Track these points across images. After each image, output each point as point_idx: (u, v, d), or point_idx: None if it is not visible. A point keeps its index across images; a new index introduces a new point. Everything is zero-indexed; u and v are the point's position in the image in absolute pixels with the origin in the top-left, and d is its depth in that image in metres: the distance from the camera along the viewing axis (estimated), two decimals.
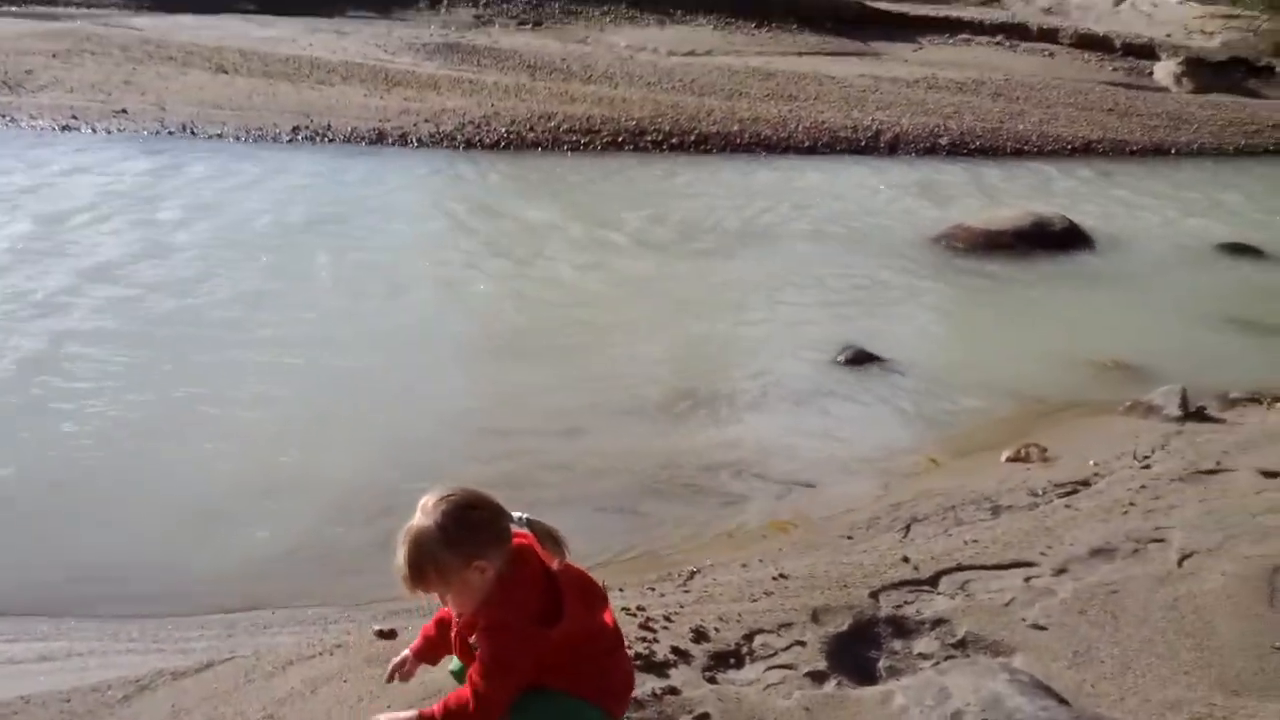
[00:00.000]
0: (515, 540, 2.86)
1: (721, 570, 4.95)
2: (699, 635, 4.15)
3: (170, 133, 12.86)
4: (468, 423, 6.66)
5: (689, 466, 6.23)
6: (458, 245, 9.94)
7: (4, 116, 12.75)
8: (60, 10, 19.20)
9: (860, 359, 7.79)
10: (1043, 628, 4.25)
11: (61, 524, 5.40)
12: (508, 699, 2.90)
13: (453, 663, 3.12)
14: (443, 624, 3.16)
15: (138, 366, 7.03)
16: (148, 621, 4.61)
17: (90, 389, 6.65)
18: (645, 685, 3.72)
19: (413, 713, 2.96)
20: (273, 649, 4.12)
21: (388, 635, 4.12)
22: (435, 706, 2.92)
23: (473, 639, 2.90)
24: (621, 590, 4.67)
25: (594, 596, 3.04)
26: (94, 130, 12.70)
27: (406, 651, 3.24)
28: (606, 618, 3.05)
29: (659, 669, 3.90)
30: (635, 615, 4.24)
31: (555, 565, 2.87)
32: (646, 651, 3.96)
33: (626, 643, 3.53)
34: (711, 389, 7.26)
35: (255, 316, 7.99)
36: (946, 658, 4.12)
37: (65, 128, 12.70)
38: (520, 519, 2.86)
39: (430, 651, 3.22)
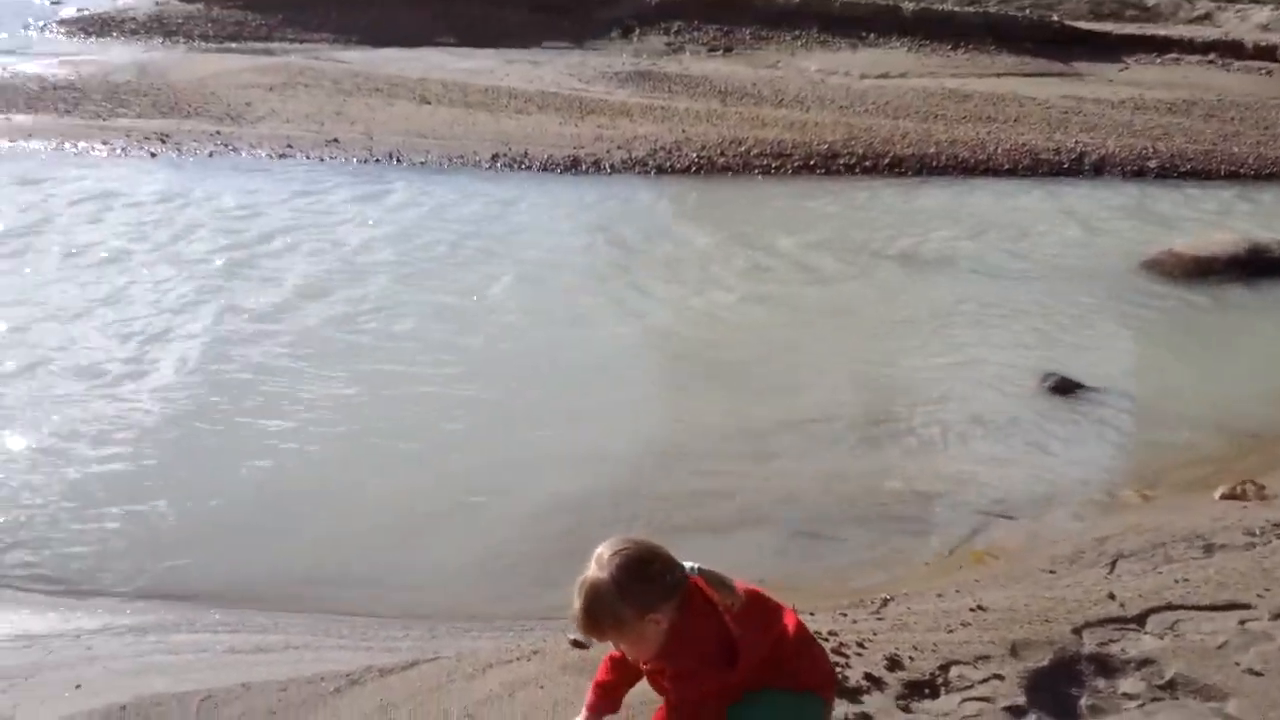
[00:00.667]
0: (690, 584, 2.90)
1: (916, 599, 4.86)
2: (893, 663, 4.09)
3: (378, 160, 13.42)
4: (656, 444, 6.73)
5: (883, 493, 6.14)
6: (646, 269, 10.05)
7: (227, 145, 13.55)
8: (276, 46, 20.32)
9: (1064, 387, 7.51)
10: (1259, 674, 4.03)
11: (279, 528, 5.74)
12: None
13: None
14: (617, 663, 3.23)
15: (340, 382, 7.37)
16: (356, 620, 4.83)
17: (300, 405, 7.00)
18: (838, 710, 3.68)
19: None
20: (473, 652, 4.26)
21: (581, 645, 4.20)
22: None
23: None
24: (813, 614, 4.63)
25: (768, 613, 3.06)
26: (308, 158, 13.37)
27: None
28: (788, 621, 3.06)
29: (852, 695, 3.86)
30: (827, 640, 4.20)
31: (732, 611, 2.90)
32: (839, 677, 3.92)
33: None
34: (906, 414, 7.13)
35: (450, 337, 8.26)
36: (1153, 699, 3.95)
37: (281, 155, 13.40)
38: (692, 569, 2.91)
39: (608, 699, 3.31)
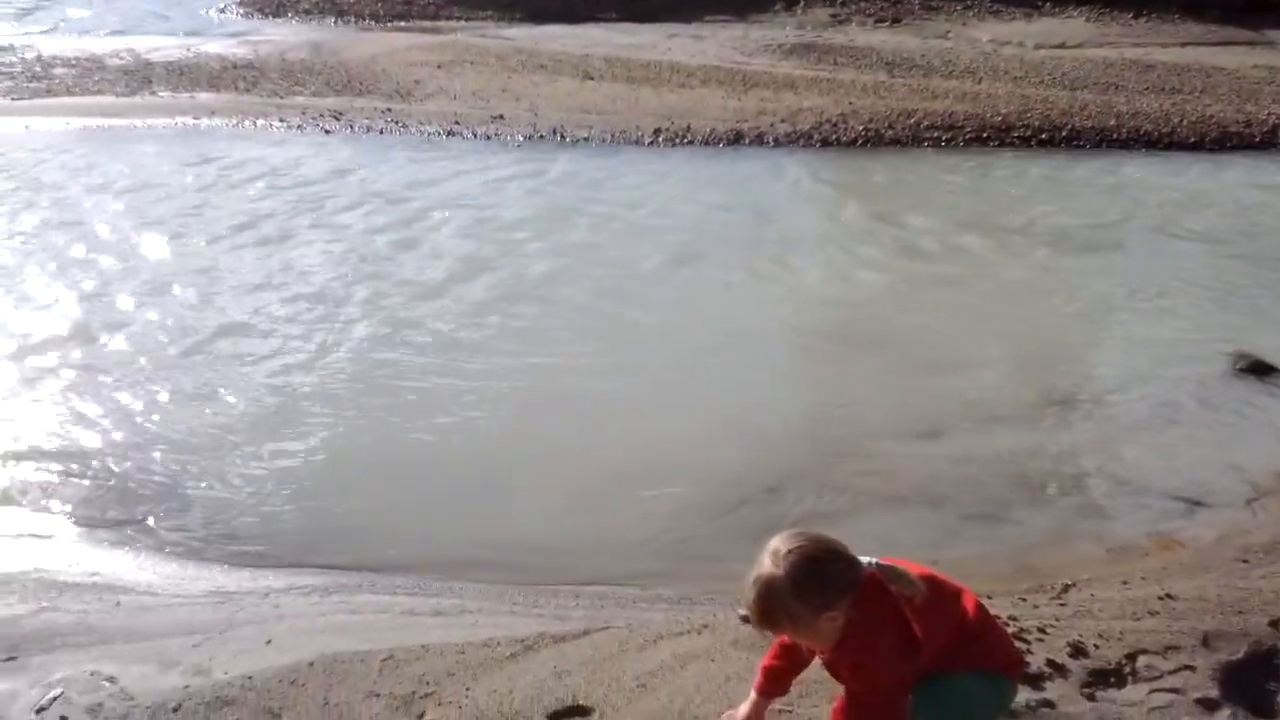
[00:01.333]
0: (866, 577, 2.86)
1: (1100, 586, 4.69)
2: (1076, 650, 3.97)
3: (542, 137, 13.56)
4: (822, 422, 6.66)
5: (1063, 476, 5.93)
6: (807, 244, 9.92)
7: (397, 123, 13.88)
8: (443, 24, 20.70)
9: (1259, 369, 7.11)
10: None
11: (454, 499, 5.87)
12: (898, 710, 2.93)
13: None
14: (787, 648, 3.20)
15: (505, 357, 7.47)
16: (528, 588, 4.91)
17: (467, 382, 7.13)
18: (1020, 696, 3.59)
19: None
20: (644, 623, 4.30)
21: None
22: None
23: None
24: (990, 598, 4.51)
25: (947, 598, 2.99)
26: (474, 135, 13.59)
27: (744, 708, 3.35)
28: (967, 604, 3.00)
29: (1033, 681, 3.77)
30: (1008, 625, 4.10)
31: (914, 602, 2.85)
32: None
33: None
34: (1085, 395, 6.86)
35: (612, 311, 8.29)
36: None
37: (450, 133, 13.66)
38: (869, 563, 2.86)
39: (777, 683, 3.30)
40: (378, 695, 3.70)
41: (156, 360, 7.40)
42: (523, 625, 4.39)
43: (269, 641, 4.27)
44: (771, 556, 2.79)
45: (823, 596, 2.78)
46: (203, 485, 5.95)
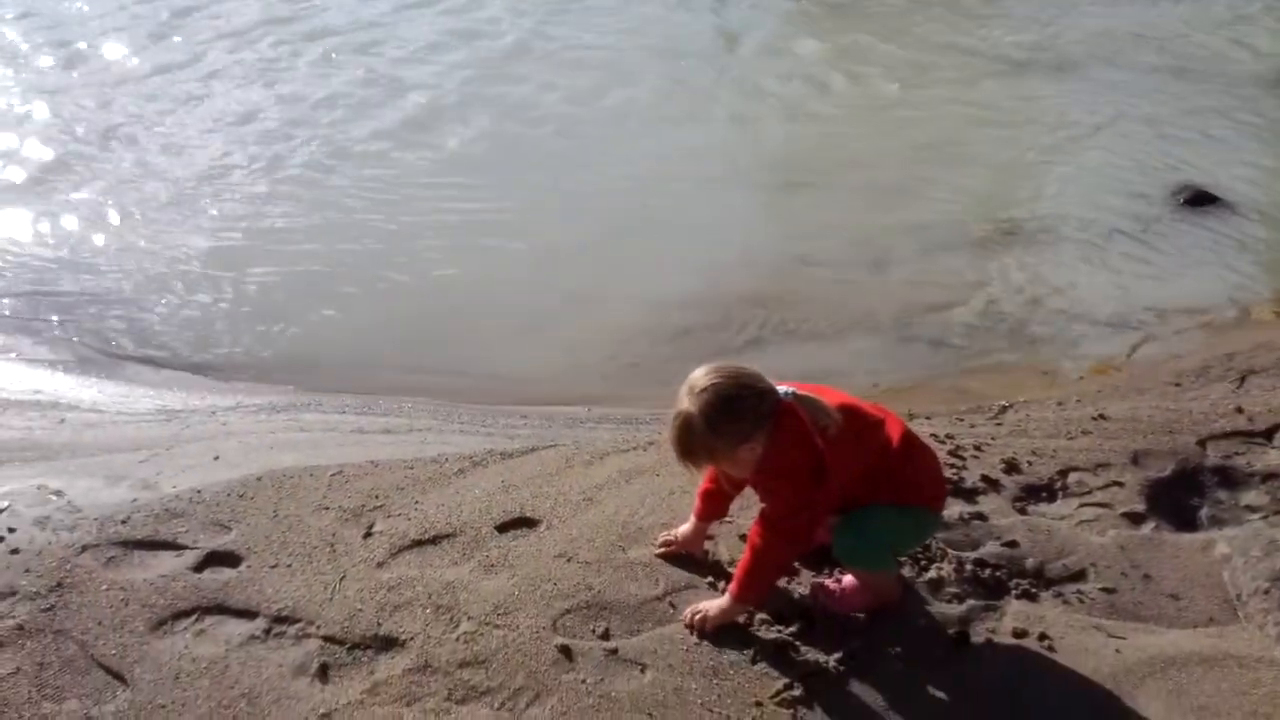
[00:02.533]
0: (782, 407, 2.88)
1: (1036, 407, 4.80)
2: (1010, 467, 4.08)
3: None
4: (775, 248, 6.66)
5: (1005, 302, 6.01)
6: (765, 66, 9.72)
7: None
8: None
9: (1199, 200, 7.17)
10: None
11: (402, 320, 5.86)
12: (804, 530, 3.01)
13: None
14: (720, 471, 3.26)
15: (463, 176, 7.37)
16: (476, 408, 4.95)
17: (420, 203, 7.05)
18: (953, 509, 3.71)
19: (725, 599, 3.13)
20: (590, 441, 4.36)
21: None
22: (734, 579, 3.11)
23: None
24: (929, 418, 4.64)
25: (866, 429, 3.03)
26: None
27: (685, 528, 3.44)
28: (891, 432, 3.03)
29: (967, 495, 3.88)
30: (944, 443, 4.21)
31: (828, 432, 2.88)
32: (955, 478, 3.94)
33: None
34: (1033, 224, 6.89)
35: (565, 134, 8.16)
36: (1276, 512, 3.90)
37: None
38: (786, 393, 2.88)
39: (714, 504, 3.37)
40: (327, 508, 3.73)
41: (113, 176, 7.21)
42: (471, 443, 4.43)
43: (217, 457, 4.28)
44: (688, 394, 2.84)
45: (736, 429, 2.84)
46: (151, 305, 5.88)
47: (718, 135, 8.32)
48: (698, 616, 3.13)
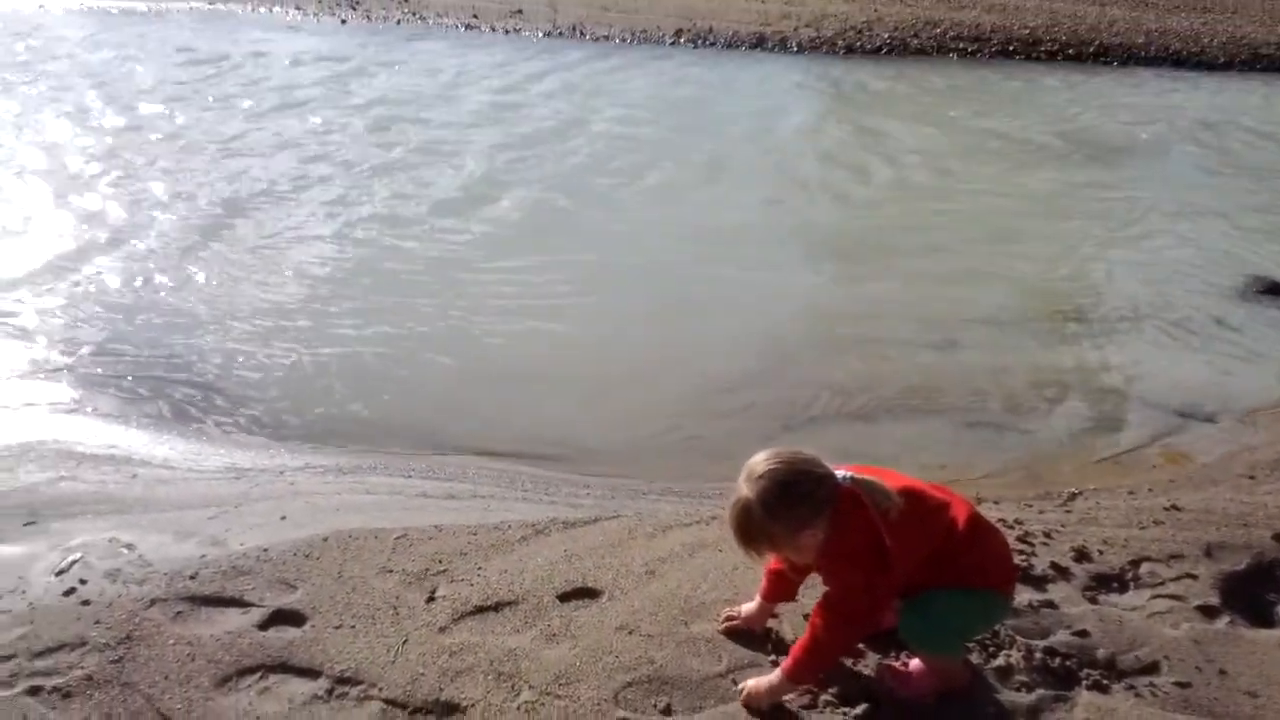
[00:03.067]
0: (842, 492, 2.86)
1: (1106, 495, 4.73)
2: (1080, 555, 4.01)
3: (561, 33, 13.39)
4: (835, 329, 6.66)
5: (1074, 387, 5.94)
6: (828, 150, 9.83)
7: (415, 14, 13.70)
8: None
9: (1272, 290, 7.09)
10: None
11: (471, 388, 5.91)
12: (866, 613, 2.96)
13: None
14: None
15: (528, 253, 7.47)
16: (540, 477, 4.96)
17: (490, 278, 7.17)
18: (1022, 596, 3.65)
19: (776, 675, 3.09)
20: (654, 513, 4.35)
21: None
22: (790, 656, 3.07)
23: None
24: (998, 503, 4.58)
25: (930, 512, 2.99)
26: (493, 29, 13.41)
27: (750, 606, 3.41)
28: (957, 514, 2.99)
29: (1037, 583, 3.81)
30: (1013, 528, 4.16)
31: (889, 516, 2.85)
32: (1024, 564, 3.88)
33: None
34: (1101, 308, 6.86)
35: (629, 212, 8.27)
36: None
37: (467, 26, 13.49)
38: (844, 478, 2.87)
39: (781, 586, 3.34)
40: (391, 571, 3.75)
41: (178, 239, 7.41)
42: (534, 511, 4.44)
43: (284, 517, 4.33)
44: (746, 480, 2.84)
45: (795, 516, 2.83)
46: (222, 365, 5.99)
47: (762, 216, 8.39)
48: (746, 693, 3.09)
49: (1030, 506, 4.56)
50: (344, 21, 13.35)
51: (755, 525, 2.83)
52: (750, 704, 3.09)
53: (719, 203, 8.57)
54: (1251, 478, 4.95)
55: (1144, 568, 3.98)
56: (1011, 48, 12.97)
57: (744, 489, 2.83)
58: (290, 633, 3.42)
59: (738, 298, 6.99)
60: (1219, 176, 9.45)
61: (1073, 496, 4.71)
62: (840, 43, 13.10)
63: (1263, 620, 3.80)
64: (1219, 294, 7.12)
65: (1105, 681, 3.33)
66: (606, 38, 13.26)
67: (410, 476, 4.88)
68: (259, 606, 3.55)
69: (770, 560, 3.30)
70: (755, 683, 3.11)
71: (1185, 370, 6.21)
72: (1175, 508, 4.41)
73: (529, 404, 5.75)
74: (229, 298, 6.72)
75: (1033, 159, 9.59)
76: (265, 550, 3.89)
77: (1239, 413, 5.77)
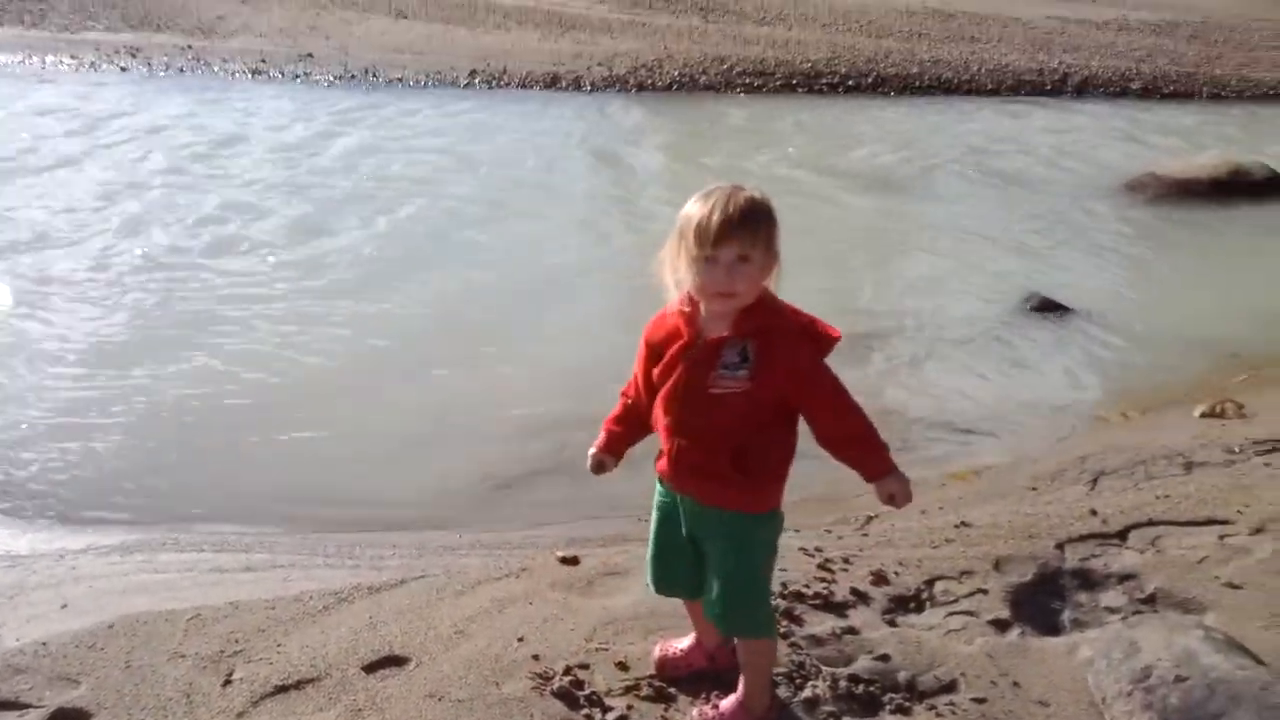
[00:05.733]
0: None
1: (900, 516, 4.86)
2: (878, 578, 4.13)
3: (353, 77, 13.19)
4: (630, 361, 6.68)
5: (865, 411, 6.11)
6: (623, 188, 9.95)
7: (199, 60, 13.27)
8: None
9: (1046, 307, 7.52)
10: (1238, 587, 4.10)
11: (262, 449, 5.69)
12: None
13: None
14: (630, 410, 3.20)
15: (319, 301, 7.31)
16: (342, 538, 4.82)
17: (279, 327, 6.95)
18: (825, 624, 3.74)
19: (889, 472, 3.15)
20: (462, 569, 4.27)
21: (570, 561, 4.24)
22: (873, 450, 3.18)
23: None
24: (798, 531, 4.67)
25: None
26: (282, 75, 13.11)
27: (595, 453, 3.25)
28: None
29: (838, 609, 3.91)
30: (813, 556, 4.25)
31: None
32: (825, 592, 3.97)
33: (806, 584, 3.58)
34: (887, 332, 7.11)
35: (425, 258, 8.19)
36: (1135, 613, 4.01)
37: (255, 72, 13.14)
38: None
39: (616, 442, 3.23)
40: (183, 656, 3.57)
41: None
42: (337, 577, 4.30)
43: (65, 605, 4.07)
44: (733, 187, 2.73)
45: (776, 233, 2.76)
46: None
47: (573, 252, 8.40)
48: (897, 499, 3.09)
49: (830, 532, 4.67)
50: (124, 69, 12.80)
51: (766, 216, 2.70)
52: (904, 504, 3.11)
53: (514, 247, 8.55)
54: (1034, 489, 5.21)
55: (938, 586, 4.13)
56: (795, 81, 13.43)
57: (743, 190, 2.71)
58: None
59: (534, 344, 6.95)
60: (991, 197, 9.98)
61: (869, 519, 4.86)
62: (632, 80, 13.30)
63: (1050, 629, 3.98)
64: (996, 313, 7.49)
65: (907, 704, 3.43)
66: (400, 80, 13.11)
67: (203, 550, 4.66)
68: (37, 707, 3.31)
69: (616, 408, 3.22)
70: (894, 492, 3.12)
71: (967, 388, 6.51)
72: (965, 524, 4.60)
73: (327, 462, 5.58)
74: None
75: (810, 187, 9.93)
76: (44, 644, 3.64)
77: (1020, 426, 6.08)
